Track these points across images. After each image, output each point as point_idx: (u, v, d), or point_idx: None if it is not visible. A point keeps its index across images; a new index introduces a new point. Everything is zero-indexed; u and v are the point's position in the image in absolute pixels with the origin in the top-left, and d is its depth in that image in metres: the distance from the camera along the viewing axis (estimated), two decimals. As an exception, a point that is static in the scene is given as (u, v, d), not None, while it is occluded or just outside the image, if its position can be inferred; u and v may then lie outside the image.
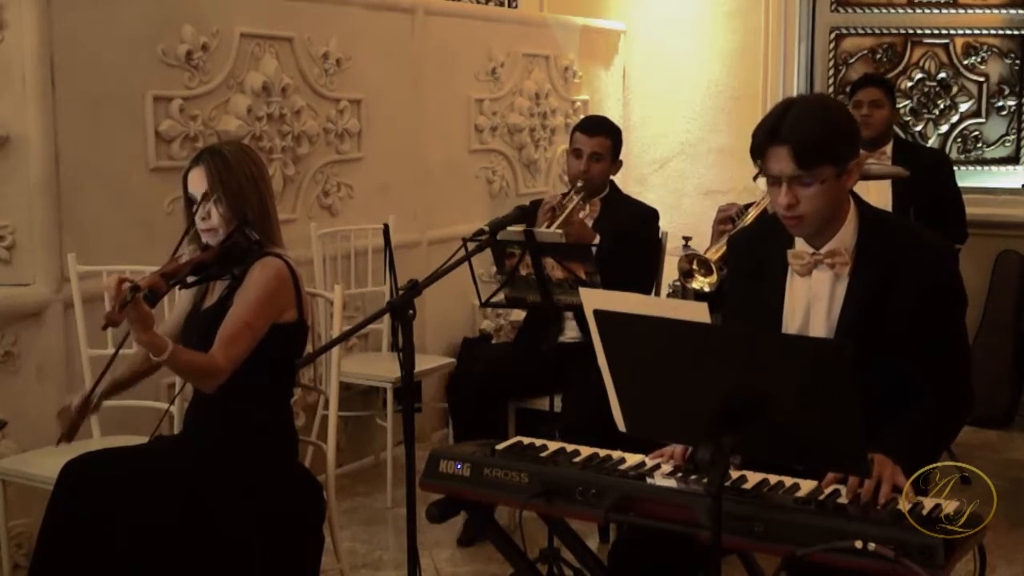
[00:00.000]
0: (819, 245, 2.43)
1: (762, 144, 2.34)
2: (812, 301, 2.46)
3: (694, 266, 3.55)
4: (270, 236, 2.86)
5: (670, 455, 2.35)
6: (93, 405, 2.80)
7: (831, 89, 6.03)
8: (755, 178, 2.44)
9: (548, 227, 3.87)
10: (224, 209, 2.78)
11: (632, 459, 2.36)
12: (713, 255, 3.36)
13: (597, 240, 3.97)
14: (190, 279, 2.73)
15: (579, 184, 4.08)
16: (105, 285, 2.61)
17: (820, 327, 2.44)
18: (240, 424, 2.79)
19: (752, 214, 3.42)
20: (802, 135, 2.29)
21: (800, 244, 2.47)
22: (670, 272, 4.69)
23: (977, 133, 5.89)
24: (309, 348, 3.01)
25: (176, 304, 3.03)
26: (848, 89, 5.06)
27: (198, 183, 2.81)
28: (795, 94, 5.95)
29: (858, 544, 1.92)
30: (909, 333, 2.36)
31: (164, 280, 2.63)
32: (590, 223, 4.10)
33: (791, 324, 2.48)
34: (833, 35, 6.06)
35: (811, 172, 2.30)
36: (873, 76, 5.03)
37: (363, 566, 3.78)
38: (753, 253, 2.60)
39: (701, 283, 3.63)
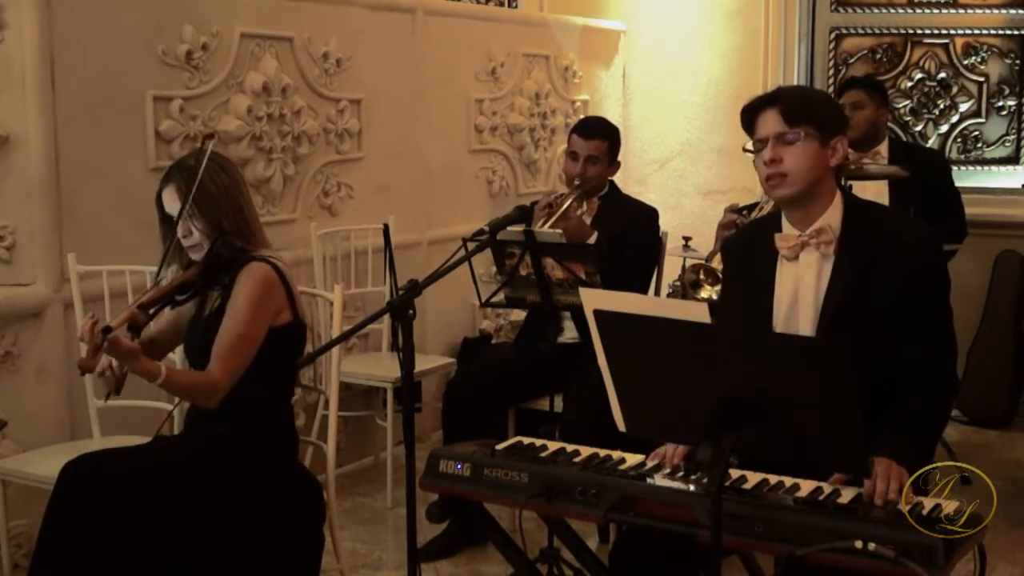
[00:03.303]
0: (805, 226, 2.49)
1: (756, 107, 2.50)
2: (800, 286, 2.50)
3: (701, 276, 3.56)
4: (251, 240, 2.85)
5: (662, 455, 2.35)
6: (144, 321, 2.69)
7: (831, 89, 6.03)
8: (745, 149, 2.53)
9: (544, 223, 3.86)
10: (202, 223, 2.77)
11: (632, 459, 2.37)
12: (719, 263, 3.38)
13: (595, 237, 3.96)
14: (179, 298, 2.73)
15: (576, 183, 4.08)
16: (80, 329, 2.58)
17: (808, 310, 2.48)
18: (240, 425, 2.78)
19: (756, 214, 3.43)
20: (792, 96, 2.50)
21: (787, 228, 2.52)
22: (670, 272, 4.69)
23: (977, 133, 5.89)
24: (309, 348, 3.01)
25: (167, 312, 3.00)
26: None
27: (172, 202, 2.80)
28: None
29: (858, 544, 1.92)
30: (894, 316, 2.40)
31: (143, 311, 2.63)
32: (588, 221, 4.09)
33: (780, 309, 2.52)
34: (833, 35, 6.06)
35: (795, 128, 2.43)
36: (855, 78, 5.02)
37: (363, 566, 3.78)
38: (744, 254, 2.64)
39: (709, 292, 3.64)
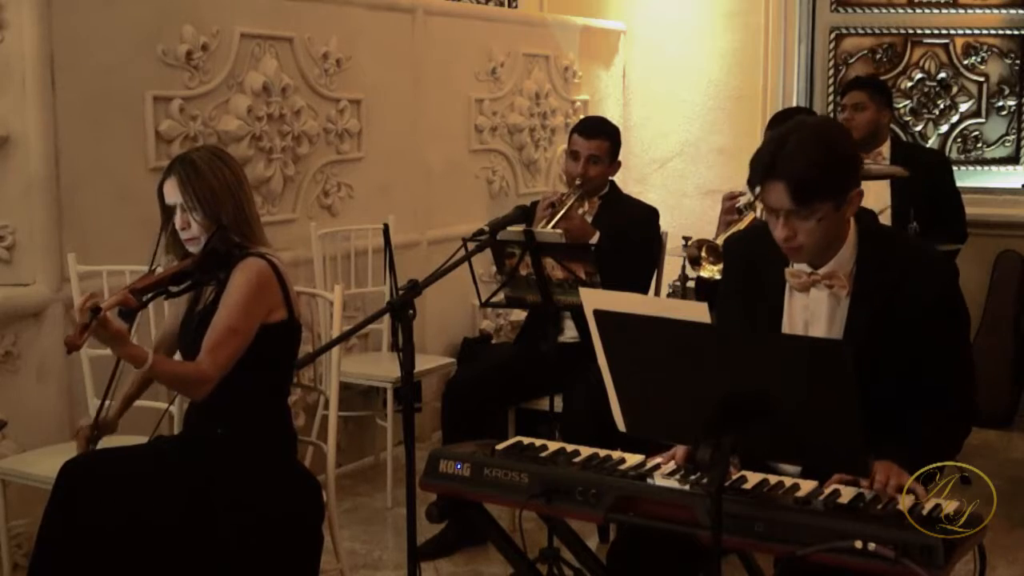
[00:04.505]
0: (817, 265, 2.41)
1: (759, 177, 2.32)
2: (810, 320, 2.45)
3: (703, 253, 3.49)
4: (250, 237, 2.84)
5: (671, 456, 2.35)
6: (108, 426, 2.83)
7: (831, 89, 6.03)
8: (755, 197, 2.42)
9: (547, 223, 3.86)
10: (200, 217, 2.77)
11: (632, 459, 2.36)
12: (722, 240, 3.32)
13: (597, 237, 3.96)
14: (173, 289, 2.74)
15: (577, 183, 4.09)
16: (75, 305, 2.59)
17: None
18: (238, 424, 2.78)
19: (759, 207, 3.39)
20: (798, 172, 2.25)
21: (798, 263, 2.45)
22: (670, 272, 4.69)
23: (977, 133, 5.89)
24: (308, 348, 3.01)
25: (171, 310, 3.02)
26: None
27: (172, 192, 2.81)
28: (795, 94, 5.98)
29: (858, 544, 1.92)
30: (912, 351, 2.35)
31: (135, 295, 2.62)
32: (588, 220, 4.09)
33: None
34: (833, 35, 6.06)
35: (808, 208, 2.27)
36: (857, 79, 4.99)
37: (363, 566, 3.78)
38: (749, 261, 2.58)
39: (710, 271, 3.58)
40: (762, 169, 2.30)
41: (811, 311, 2.44)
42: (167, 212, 2.84)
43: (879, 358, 2.33)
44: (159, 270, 2.77)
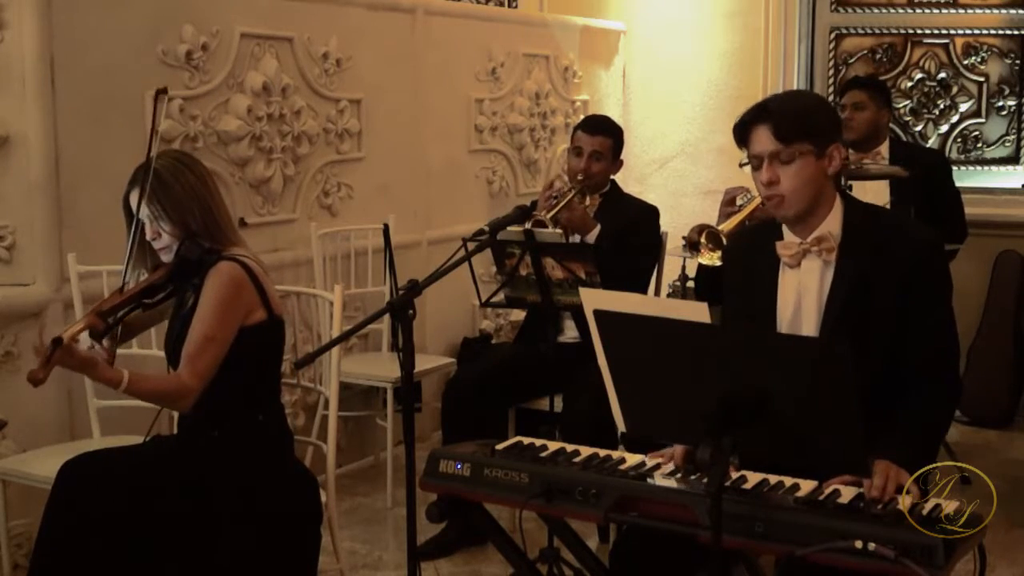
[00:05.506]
0: (806, 234, 2.48)
1: (747, 124, 2.45)
2: (803, 293, 2.49)
3: (703, 239, 3.47)
4: (221, 241, 2.81)
5: (670, 456, 2.36)
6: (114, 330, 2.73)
7: (831, 89, 6.03)
8: (741, 164, 2.52)
9: (548, 214, 3.86)
10: (169, 226, 2.75)
11: (632, 459, 2.36)
12: (726, 227, 3.32)
13: (597, 229, 3.97)
14: (148, 301, 2.72)
15: (579, 178, 4.09)
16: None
17: (811, 316, 2.47)
18: (232, 424, 2.77)
19: (756, 199, 3.39)
20: (782, 111, 2.43)
21: (788, 236, 2.52)
22: (670, 272, 4.69)
23: (977, 133, 5.89)
24: (309, 348, 3.01)
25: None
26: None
27: (138, 204, 2.77)
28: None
29: (858, 544, 1.92)
30: (895, 319, 2.39)
31: (102, 318, 2.61)
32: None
33: (784, 316, 2.51)
34: (833, 35, 6.06)
35: (790, 147, 2.39)
36: (856, 79, 5.00)
37: (363, 566, 3.78)
38: (746, 260, 2.64)
39: (709, 258, 3.56)
40: (750, 115, 2.45)
41: (803, 284, 2.49)
42: (133, 223, 2.79)
43: (861, 322, 2.38)
44: (129, 284, 2.74)
